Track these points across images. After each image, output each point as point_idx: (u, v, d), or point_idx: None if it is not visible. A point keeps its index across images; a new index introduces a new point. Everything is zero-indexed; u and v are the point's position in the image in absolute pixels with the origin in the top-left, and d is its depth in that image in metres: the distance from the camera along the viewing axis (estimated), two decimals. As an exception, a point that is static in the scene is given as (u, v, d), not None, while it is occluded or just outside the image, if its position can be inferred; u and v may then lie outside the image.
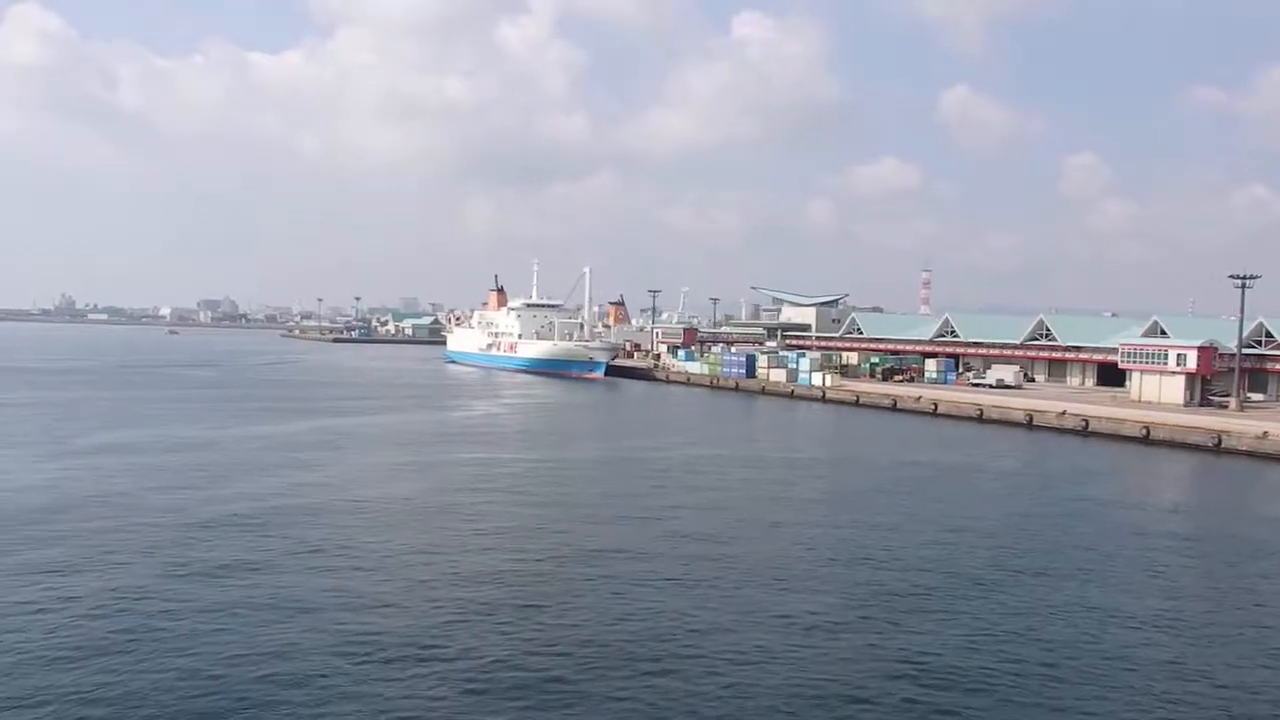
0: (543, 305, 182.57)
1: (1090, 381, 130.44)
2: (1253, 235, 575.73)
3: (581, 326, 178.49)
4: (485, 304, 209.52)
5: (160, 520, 40.47)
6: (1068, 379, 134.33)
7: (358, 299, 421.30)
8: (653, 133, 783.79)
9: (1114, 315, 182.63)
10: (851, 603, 31.02)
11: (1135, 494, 58.39)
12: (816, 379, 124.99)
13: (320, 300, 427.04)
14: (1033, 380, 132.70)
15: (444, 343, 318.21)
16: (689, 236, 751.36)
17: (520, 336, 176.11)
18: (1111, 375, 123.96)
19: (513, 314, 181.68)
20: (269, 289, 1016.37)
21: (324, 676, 23.68)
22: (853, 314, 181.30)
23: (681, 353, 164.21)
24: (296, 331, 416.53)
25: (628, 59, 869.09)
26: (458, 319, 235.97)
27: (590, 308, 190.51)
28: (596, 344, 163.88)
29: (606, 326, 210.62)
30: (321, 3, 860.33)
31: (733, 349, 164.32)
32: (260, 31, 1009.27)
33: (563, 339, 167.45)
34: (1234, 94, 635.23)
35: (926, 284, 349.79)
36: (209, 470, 54.31)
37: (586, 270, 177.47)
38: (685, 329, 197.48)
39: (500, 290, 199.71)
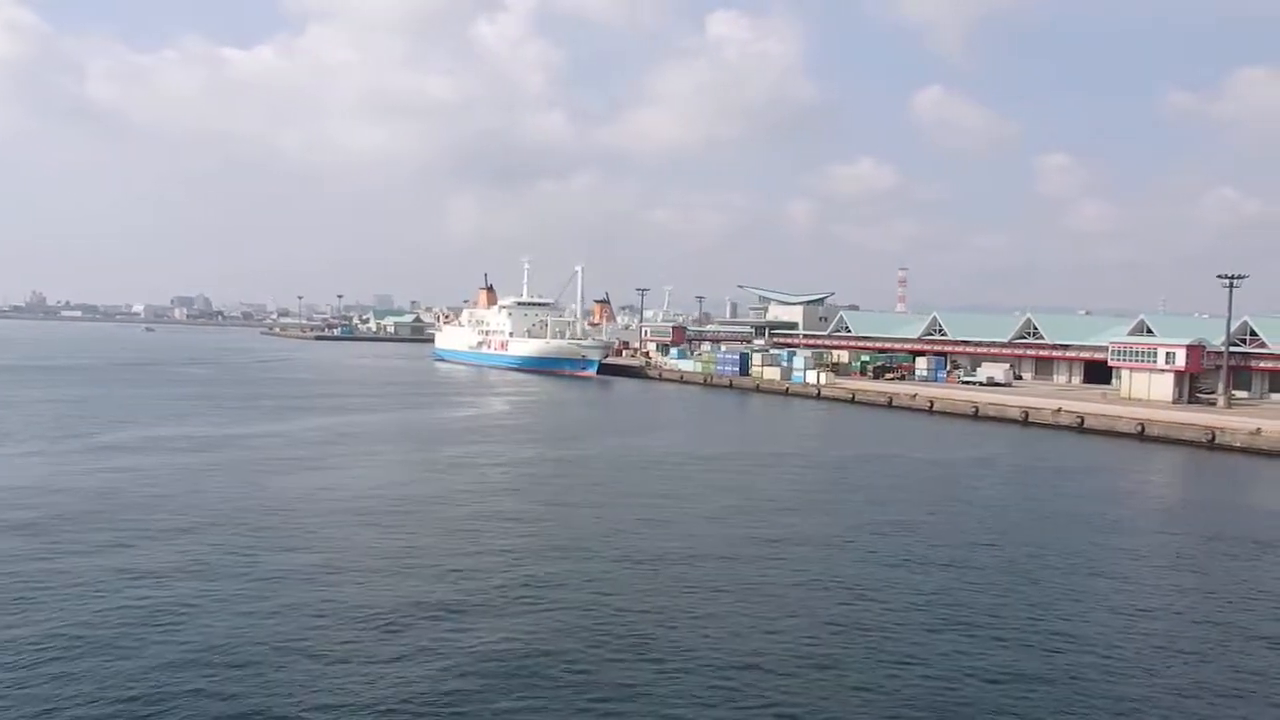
0: (534, 304, 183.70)
1: (1077, 379, 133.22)
2: (1223, 235, 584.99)
3: (572, 325, 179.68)
4: (468, 301, 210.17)
5: (224, 515, 41.82)
6: (1054, 377, 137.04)
7: (340, 297, 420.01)
8: (633, 132, 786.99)
9: (1087, 313, 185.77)
10: (914, 608, 31.79)
11: (1143, 489, 60.75)
12: (811, 377, 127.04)
13: (300, 298, 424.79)
14: (1020, 378, 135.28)
15: (426, 340, 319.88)
16: (669, 236, 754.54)
17: (511, 334, 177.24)
18: (1098, 373, 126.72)
19: (504, 312, 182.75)
20: (242, 286, 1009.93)
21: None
22: (841, 313, 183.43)
23: (674, 351, 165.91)
24: (277, 329, 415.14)
25: (606, 58, 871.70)
26: (446, 317, 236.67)
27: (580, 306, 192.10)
28: (589, 342, 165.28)
29: (593, 325, 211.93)
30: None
31: (722, 348, 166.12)
32: (233, 27, 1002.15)
33: (555, 337, 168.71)
34: (1206, 97, 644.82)
35: (903, 283, 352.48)
36: (250, 466, 55.63)
37: (578, 269, 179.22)
38: (674, 327, 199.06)
39: (490, 289, 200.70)
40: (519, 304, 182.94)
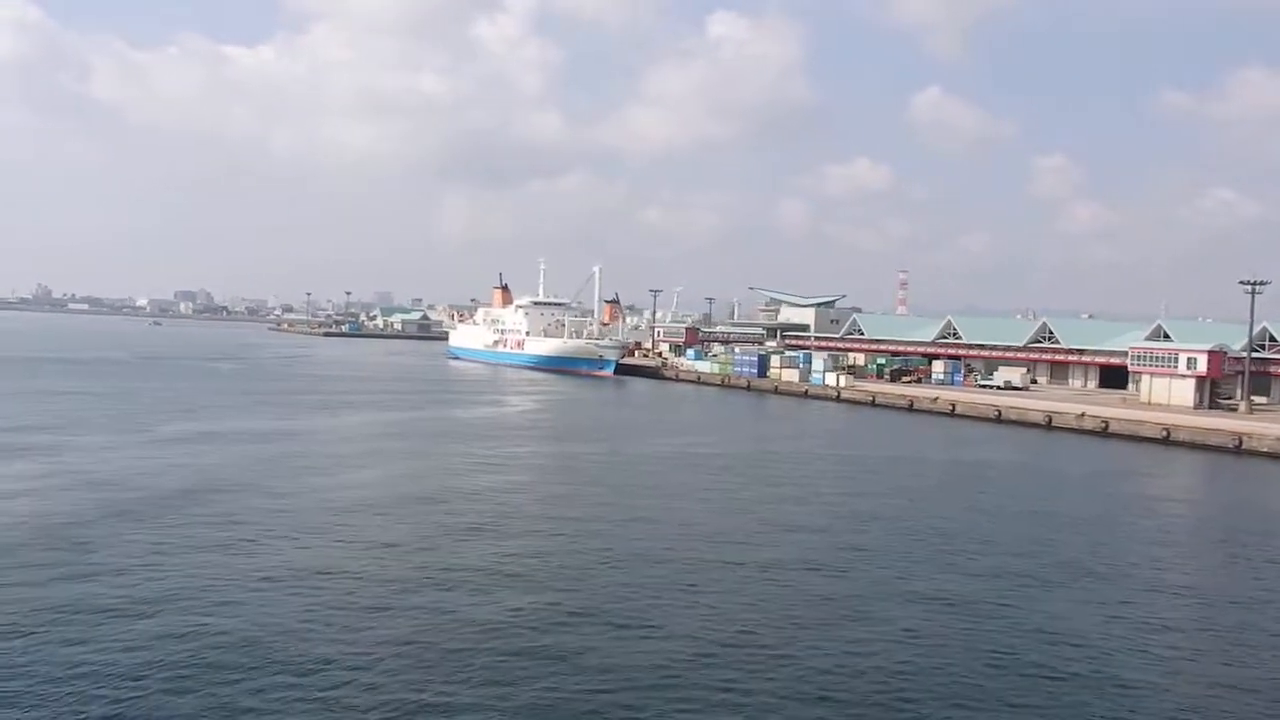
0: (550, 303, 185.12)
1: (1092, 384, 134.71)
2: (1219, 237, 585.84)
3: (589, 325, 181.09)
4: (474, 301, 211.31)
5: (302, 505, 43.47)
6: (1070, 381, 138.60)
7: (348, 294, 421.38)
8: (627, 132, 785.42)
9: (1090, 317, 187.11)
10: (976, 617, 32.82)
11: (1181, 494, 62.78)
12: (830, 379, 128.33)
13: (309, 295, 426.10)
14: (1035, 382, 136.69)
15: (433, 338, 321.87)
16: (664, 235, 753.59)
17: (528, 333, 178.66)
18: (1114, 378, 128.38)
19: (520, 311, 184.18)
20: (241, 282, 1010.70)
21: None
22: (854, 315, 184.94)
23: (690, 352, 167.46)
24: (285, 325, 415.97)
25: (603, 58, 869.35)
26: (460, 316, 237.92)
27: (592, 306, 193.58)
28: (607, 342, 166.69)
29: (603, 325, 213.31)
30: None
31: (736, 349, 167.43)
32: (234, 25, 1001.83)
33: (572, 337, 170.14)
34: (1202, 98, 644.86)
35: (904, 285, 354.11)
36: (313, 458, 57.60)
37: (596, 270, 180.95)
38: (687, 328, 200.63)
39: (505, 288, 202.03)
40: (535, 303, 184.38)
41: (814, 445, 77.37)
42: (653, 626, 28.46)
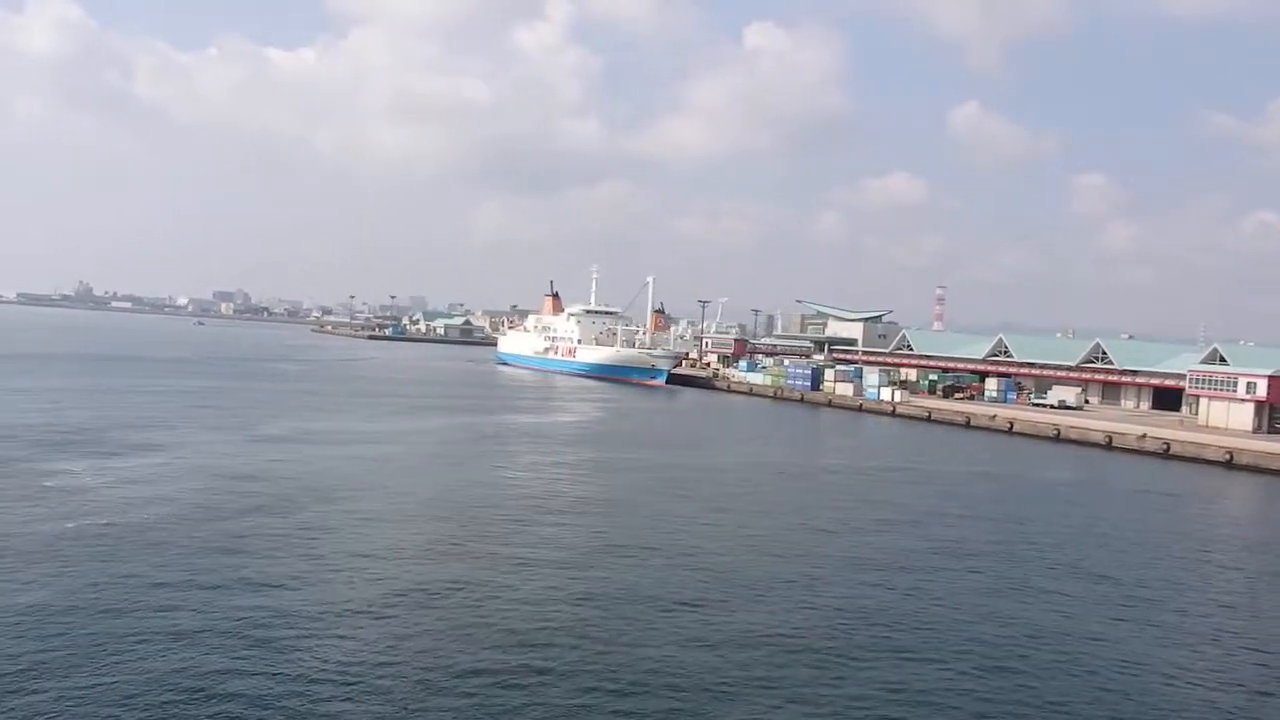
0: (602, 312, 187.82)
1: (1145, 405, 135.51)
2: (1260, 260, 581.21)
3: (641, 334, 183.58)
4: (514, 306, 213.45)
5: (435, 505, 46.26)
6: (1122, 402, 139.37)
7: (393, 297, 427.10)
8: (665, 140, 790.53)
9: (1131, 337, 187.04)
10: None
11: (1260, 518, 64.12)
12: (885, 394, 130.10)
13: (352, 297, 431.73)
14: (1087, 403, 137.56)
15: (475, 343, 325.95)
16: (698, 245, 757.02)
17: (579, 341, 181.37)
18: (1167, 399, 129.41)
19: (572, 319, 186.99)
20: (275, 282, 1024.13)
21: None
22: (904, 331, 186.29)
23: (742, 363, 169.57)
24: (328, 328, 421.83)
25: (641, 67, 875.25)
26: (511, 323, 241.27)
27: (637, 315, 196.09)
28: (659, 351, 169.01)
29: (643, 333, 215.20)
30: (337, 1, 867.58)
31: (785, 361, 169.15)
32: (276, 27, 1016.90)
33: (624, 346, 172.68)
34: (1248, 121, 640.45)
35: (941, 300, 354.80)
36: (418, 459, 60.90)
37: (650, 280, 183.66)
38: (736, 339, 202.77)
39: (555, 295, 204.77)
40: (587, 312, 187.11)
41: (890, 460, 79.31)
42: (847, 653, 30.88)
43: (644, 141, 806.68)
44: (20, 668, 23.44)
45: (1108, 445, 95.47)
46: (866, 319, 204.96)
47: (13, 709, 21.33)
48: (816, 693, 25.13)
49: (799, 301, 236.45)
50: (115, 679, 23.09)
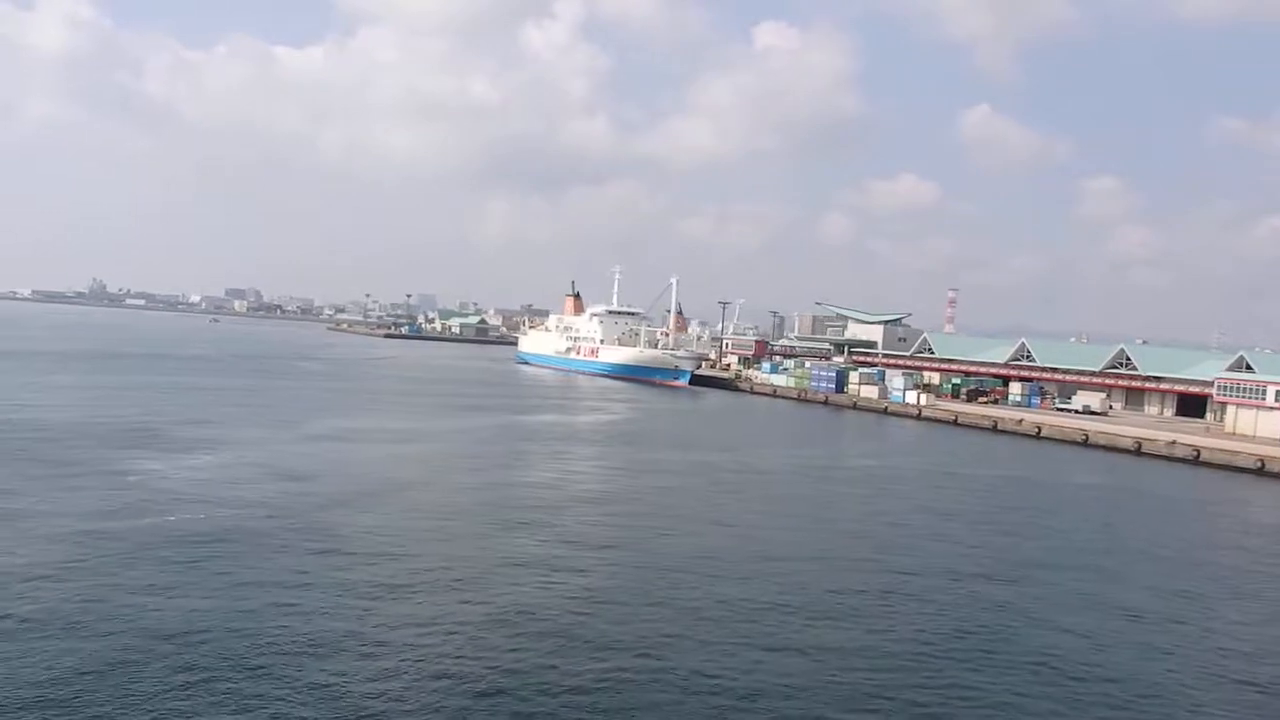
0: (624, 312, 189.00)
1: (1169, 411, 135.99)
2: (1271, 266, 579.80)
3: (665, 334, 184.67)
4: (528, 306, 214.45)
5: (503, 504, 47.42)
6: (1145, 408, 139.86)
7: (408, 296, 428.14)
8: (673, 141, 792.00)
9: (1145, 342, 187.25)
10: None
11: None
12: (911, 397, 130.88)
13: (368, 295, 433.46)
14: (1111, 408, 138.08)
15: (491, 342, 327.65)
16: (706, 245, 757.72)
17: (602, 342, 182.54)
18: (1192, 406, 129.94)
19: (594, 319, 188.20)
20: (284, 280, 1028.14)
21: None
22: (924, 334, 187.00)
23: (765, 365, 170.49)
24: (343, 326, 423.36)
25: (650, 66, 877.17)
26: (532, 323, 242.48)
27: (657, 316, 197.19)
28: (682, 352, 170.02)
29: (665, 334, 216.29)
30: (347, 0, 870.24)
31: (807, 363, 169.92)
32: (285, 26, 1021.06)
33: (647, 346, 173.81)
34: (1258, 125, 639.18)
35: (952, 303, 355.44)
36: (464, 458, 62.14)
37: (673, 281, 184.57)
38: (756, 341, 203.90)
39: (577, 296, 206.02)
40: (610, 312, 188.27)
41: (925, 462, 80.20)
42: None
43: (652, 142, 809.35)
44: (182, 664, 24.47)
45: (1137, 451, 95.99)
46: (886, 322, 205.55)
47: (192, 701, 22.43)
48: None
49: (818, 304, 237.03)
50: (267, 679, 24.19)
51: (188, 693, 22.49)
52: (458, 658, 25.86)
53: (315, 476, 51.06)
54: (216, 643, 25.58)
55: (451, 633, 27.77)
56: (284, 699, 22.55)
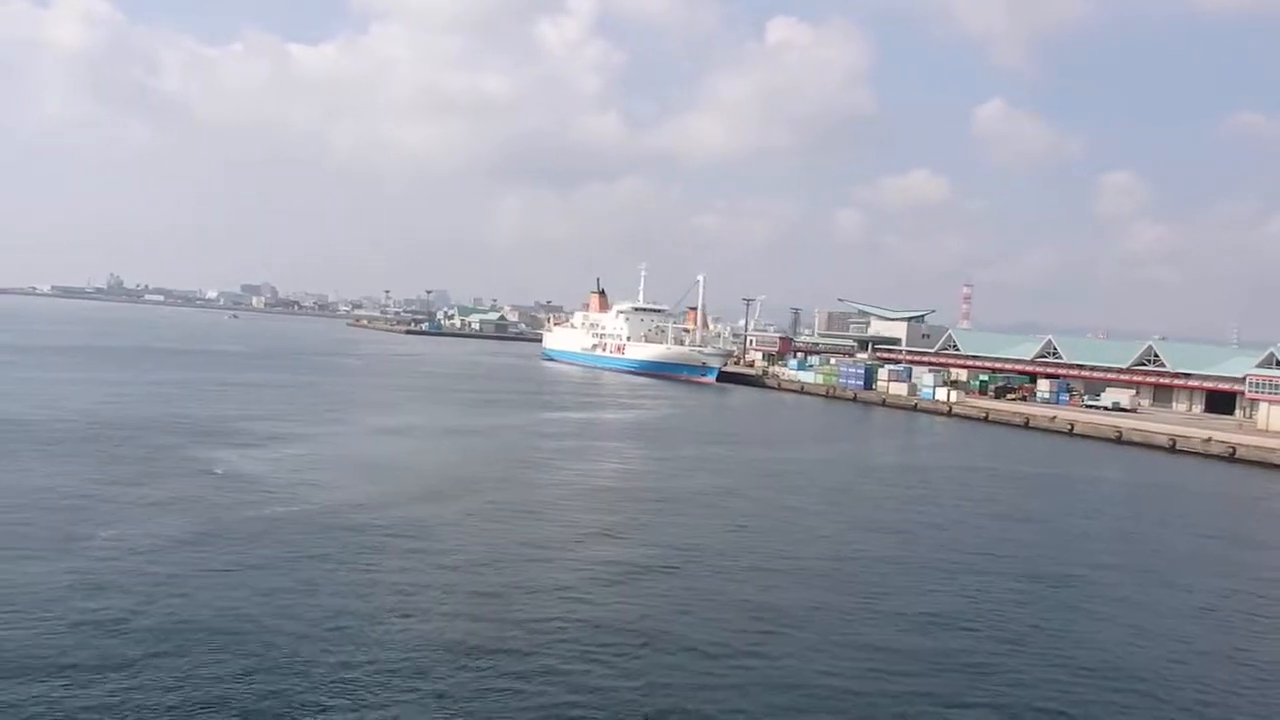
0: (651, 309, 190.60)
1: (1197, 408, 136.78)
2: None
3: (692, 331, 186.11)
4: (547, 302, 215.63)
5: (574, 497, 49.24)
6: (1173, 405, 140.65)
7: (429, 292, 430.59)
8: (686, 136, 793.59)
9: (1164, 338, 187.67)
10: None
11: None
12: (940, 394, 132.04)
13: (387, 292, 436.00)
14: (1139, 405, 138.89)
15: (510, 338, 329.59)
16: (717, 241, 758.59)
17: (629, 339, 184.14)
18: (1220, 402, 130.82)
19: (621, 316, 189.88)
20: (297, 276, 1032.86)
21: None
22: (949, 331, 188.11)
23: (793, 361, 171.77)
24: (363, 322, 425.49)
25: (663, 62, 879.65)
26: (557, 319, 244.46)
27: (679, 311, 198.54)
28: (710, 349, 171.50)
29: (686, 331, 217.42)
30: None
31: (832, 360, 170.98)
32: (299, 22, 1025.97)
33: (675, 343, 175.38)
34: (1275, 119, 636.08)
35: (967, 299, 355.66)
36: (529, 452, 64.03)
37: (700, 278, 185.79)
38: (780, 337, 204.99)
39: (602, 293, 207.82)
40: (636, 309, 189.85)
41: (966, 459, 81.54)
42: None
43: (664, 138, 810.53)
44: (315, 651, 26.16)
45: (1171, 448, 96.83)
46: (910, 318, 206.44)
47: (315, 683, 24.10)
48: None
49: (840, 300, 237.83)
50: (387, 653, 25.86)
51: (350, 681, 24.05)
52: (588, 661, 27.16)
53: (391, 469, 53.02)
54: (366, 634, 27.17)
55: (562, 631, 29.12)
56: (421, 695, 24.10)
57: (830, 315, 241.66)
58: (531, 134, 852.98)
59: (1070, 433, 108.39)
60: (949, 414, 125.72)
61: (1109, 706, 25.86)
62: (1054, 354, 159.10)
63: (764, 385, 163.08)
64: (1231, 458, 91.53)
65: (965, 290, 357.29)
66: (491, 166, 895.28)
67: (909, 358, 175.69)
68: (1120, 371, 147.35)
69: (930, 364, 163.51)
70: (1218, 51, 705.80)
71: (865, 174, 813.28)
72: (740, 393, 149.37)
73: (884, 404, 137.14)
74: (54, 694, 21.52)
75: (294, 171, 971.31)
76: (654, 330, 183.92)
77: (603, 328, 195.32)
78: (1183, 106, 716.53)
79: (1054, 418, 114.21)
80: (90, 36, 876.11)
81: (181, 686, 22.43)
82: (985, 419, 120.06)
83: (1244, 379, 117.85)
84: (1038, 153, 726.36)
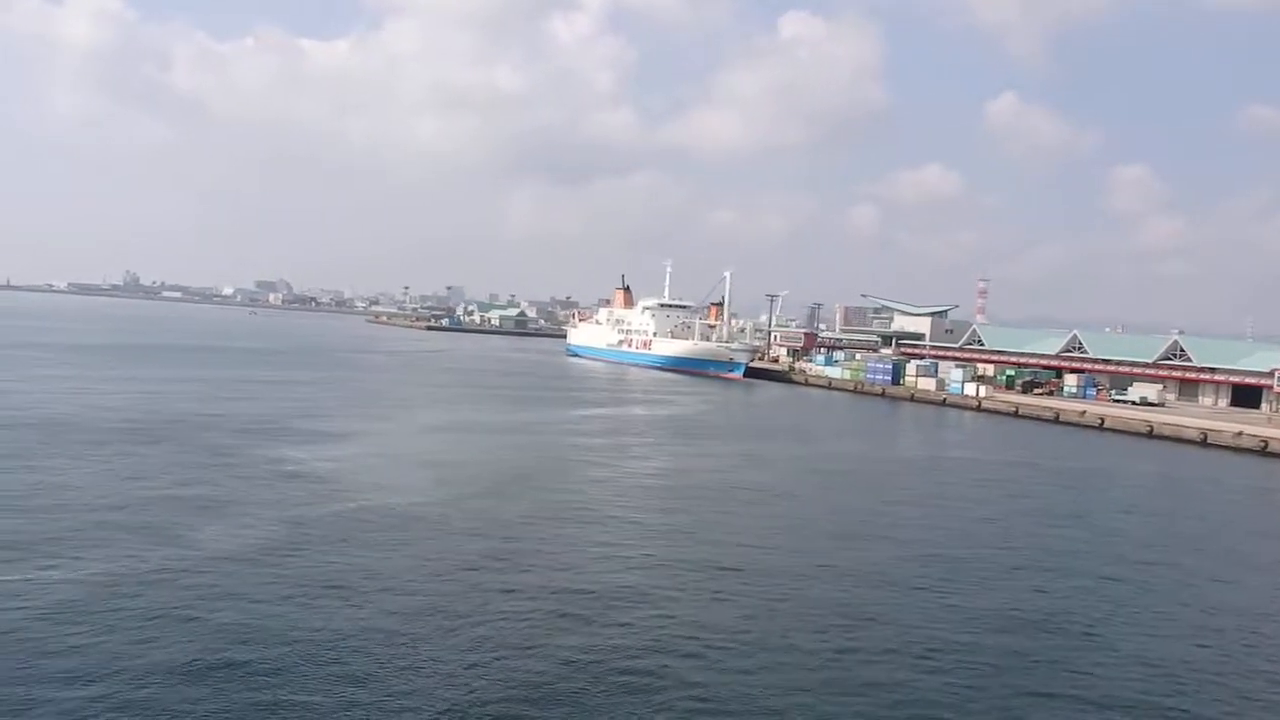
0: (676, 305, 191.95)
1: (1224, 402, 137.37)
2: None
3: (718, 327, 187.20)
4: (567, 298, 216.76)
5: (638, 492, 50.55)
6: (1199, 399, 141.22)
7: (449, 288, 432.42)
8: (698, 132, 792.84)
9: (1182, 332, 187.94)
10: None
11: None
12: (970, 389, 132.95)
13: (406, 289, 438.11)
14: (1166, 399, 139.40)
15: (530, 334, 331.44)
16: (731, 236, 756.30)
17: (655, 334, 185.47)
18: (1246, 396, 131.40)
19: (647, 312, 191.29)
20: (311, 272, 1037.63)
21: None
22: (974, 325, 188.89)
23: (820, 357, 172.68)
24: (382, 319, 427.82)
25: (675, 57, 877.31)
26: (582, 315, 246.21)
27: (706, 307, 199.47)
28: (736, 345, 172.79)
29: (711, 327, 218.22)
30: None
31: (857, 355, 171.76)
32: (311, 18, 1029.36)
33: (701, 339, 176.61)
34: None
35: (983, 294, 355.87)
36: (582, 449, 65.28)
37: (727, 275, 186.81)
38: (805, 333, 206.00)
39: (627, 289, 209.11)
40: (662, 305, 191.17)
41: (1003, 454, 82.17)
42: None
43: (676, 132, 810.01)
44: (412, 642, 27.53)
45: (1202, 442, 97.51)
46: (933, 313, 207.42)
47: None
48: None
49: (864, 296, 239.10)
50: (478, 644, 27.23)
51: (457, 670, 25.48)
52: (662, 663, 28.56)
53: (455, 465, 54.34)
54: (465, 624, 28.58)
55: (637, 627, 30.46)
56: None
57: (848, 310, 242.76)
58: (543, 129, 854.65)
59: (1101, 427, 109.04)
60: (978, 409, 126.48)
61: (1196, 699, 26.76)
62: (1079, 349, 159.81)
63: (791, 381, 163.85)
64: (1264, 451, 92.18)
65: (981, 285, 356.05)
66: (503, 162, 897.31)
67: (934, 353, 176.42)
68: (1145, 366, 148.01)
69: (955, 359, 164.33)
70: (1231, 45, 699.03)
71: (878, 169, 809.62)
72: (768, 388, 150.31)
73: (912, 399, 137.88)
74: (211, 695, 22.96)
75: (307, 168, 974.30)
76: (680, 326, 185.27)
77: (629, 324, 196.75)
78: (1196, 100, 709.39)
79: (1084, 412, 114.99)
80: (102, 33, 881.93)
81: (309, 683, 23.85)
82: (1015, 414, 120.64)
83: (1271, 373, 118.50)
84: (1051, 147, 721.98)
